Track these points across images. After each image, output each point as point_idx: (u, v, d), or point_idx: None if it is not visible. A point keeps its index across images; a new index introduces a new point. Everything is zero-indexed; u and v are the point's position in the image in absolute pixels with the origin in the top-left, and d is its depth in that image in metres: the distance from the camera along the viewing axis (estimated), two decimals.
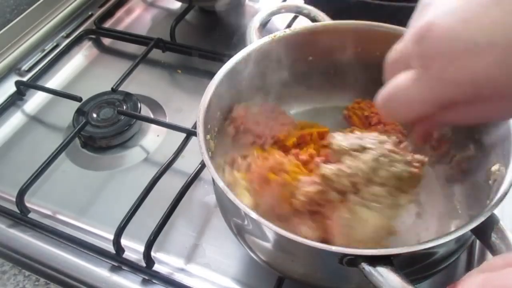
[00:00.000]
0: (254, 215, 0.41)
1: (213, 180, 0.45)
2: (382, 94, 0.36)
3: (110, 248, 0.55)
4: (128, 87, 0.74)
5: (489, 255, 0.51)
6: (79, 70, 0.82)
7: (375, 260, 0.37)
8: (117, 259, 0.55)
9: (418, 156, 0.43)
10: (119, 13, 0.92)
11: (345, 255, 0.38)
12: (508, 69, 0.30)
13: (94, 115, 0.70)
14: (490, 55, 0.29)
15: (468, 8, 0.30)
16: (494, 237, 0.39)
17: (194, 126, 0.64)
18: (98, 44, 0.86)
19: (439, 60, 0.31)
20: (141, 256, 0.54)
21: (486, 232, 0.39)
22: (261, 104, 0.57)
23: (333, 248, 0.39)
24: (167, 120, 0.72)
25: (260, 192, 0.47)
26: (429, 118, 0.35)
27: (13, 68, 0.82)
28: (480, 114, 0.35)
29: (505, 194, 0.41)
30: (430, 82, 0.32)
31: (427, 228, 0.50)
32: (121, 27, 0.89)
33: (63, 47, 0.83)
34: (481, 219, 0.39)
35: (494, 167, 0.46)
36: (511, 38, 0.29)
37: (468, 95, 0.32)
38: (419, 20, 0.33)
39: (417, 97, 0.33)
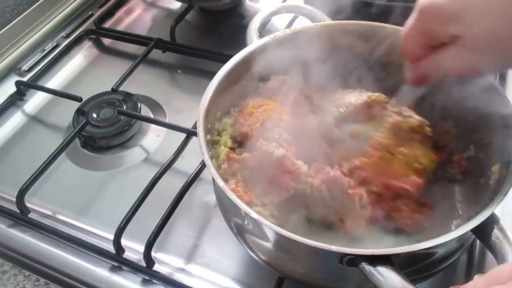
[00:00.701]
0: (254, 214, 0.41)
1: (213, 180, 0.45)
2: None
3: (110, 248, 0.55)
4: (128, 87, 0.74)
5: (489, 255, 0.51)
6: (79, 70, 0.82)
7: (375, 260, 0.37)
8: (117, 259, 0.55)
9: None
10: (119, 13, 0.92)
11: (345, 254, 0.38)
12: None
13: (94, 115, 0.70)
14: None
15: None
16: (494, 236, 0.39)
17: (194, 126, 0.64)
18: (98, 44, 0.86)
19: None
20: (141, 256, 0.54)
21: (486, 231, 0.39)
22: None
23: (333, 248, 0.38)
24: (167, 120, 0.72)
25: None
26: (424, 60, 0.45)
27: (13, 68, 0.82)
28: (468, 62, 0.42)
29: (505, 194, 0.41)
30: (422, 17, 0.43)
31: (427, 228, 0.50)
32: (121, 27, 0.89)
33: (63, 47, 0.83)
34: (481, 218, 0.39)
35: (494, 167, 0.46)
36: None
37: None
38: None
39: (411, 31, 0.45)
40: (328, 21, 0.60)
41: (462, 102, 0.50)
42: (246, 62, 0.55)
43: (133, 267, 0.55)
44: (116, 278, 0.54)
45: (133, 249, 0.56)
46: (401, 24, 0.55)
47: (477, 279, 0.30)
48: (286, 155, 0.48)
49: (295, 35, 0.57)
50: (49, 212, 0.62)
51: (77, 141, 0.69)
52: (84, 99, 0.73)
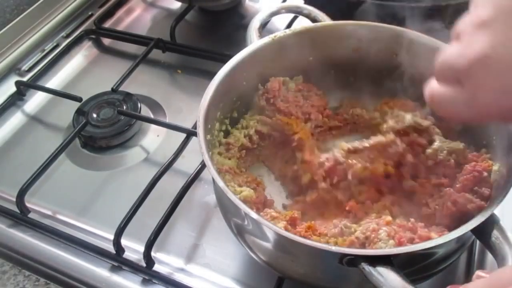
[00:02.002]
0: (254, 215, 0.41)
1: (213, 180, 0.45)
2: (433, 94, 0.38)
3: (110, 248, 0.55)
4: (128, 87, 0.74)
5: (489, 255, 0.51)
6: (79, 70, 0.82)
7: (375, 260, 0.37)
8: (117, 259, 0.55)
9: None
10: (119, 13, 0.92)
11: (345, 255, 0.38)
12: None
13: (94, 115, 0.70)
14: None
15: None
16: (494, 237, 0.39)
17: (194, 126, 0.64)
18: (98, 44, 0.86)
19: (487, 95, 0.33)
20: (141, 256, 0.54)
21: (486, 232, 0.39)
22: (300, 83, 0.59)
23: (333, 248, 0.39)
24: (167, 120, 0.72)
25: None
26: None
27: (13, 68, 0.82)
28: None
29: (505, 194, 0.41)
30: (473, 110, 0.35)
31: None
32: (121, 27, 0.89)
33: (63, 47, 0.83)
34: (481, 219, 0.39)
35: (494, 167, 0.46)
36: None
37: (505, 119, 0.36)
38: (476, 38, 0.33)
39: (457, 112, 0.36)
40: (328, 21, 0.60)
41: None
42: (246, 62, 0.55)
43: (133, 267, 0.55)
44: (116, 278, 0.54)
45: (133, 249, 0.56)
46: (401, 24, 0.56)
47: (478, 281, 0.30)
48: None
49: (295, 35, 0.57)
50: (49, 212, 0.61)
51: (77, 141, 0.69)
52: (84, 99, 0.73)
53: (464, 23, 0.35)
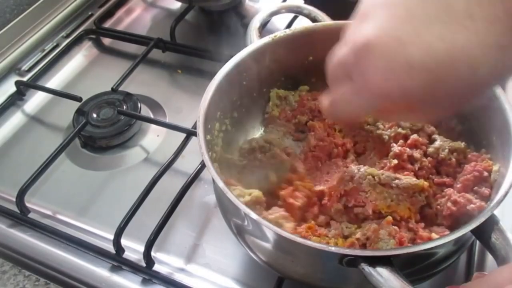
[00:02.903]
0: (253, 215, 0.41)
1: (213, 180, 0.45)
2: (328, 106, 0.41)
3: (110, 248, 0.55)
4: (128, 87, 0.74)
5: (489, 256, 0.51)
6: (79, 70, 0.82)
7: (374, 261, 0.37)
8: (117, 259, 0.55)
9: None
10: (119, 13, 0.92)
11: (345, 255, 0.38)
12: (433, 90, 0.32)
13: (94, 115, 0.70)
14: (421, 77, 0.32)
15: (406, 29, 0.32)
16: (494, 237, 0.39)
17: (194, 126, 0.64)
18: (98, 44, 0.86)
19: (375, 76, 0.34)
20: (141, 256, 0.54)
21: (486, 232, 0.39)
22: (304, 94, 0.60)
23: (333, 249, 0.39)
24: (167, 120, 0.72)
25: None
26: None
27: (13, 68, 0.82)
28: (411, 118, 0.44)
29: (505, 194, 0.41)
30: (367, 95, 0.36)
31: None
32: (121, 27, 0.89)
33: (63, 47, 0.83)
34: (481, 219, 0.39)
35: (494, 167, 0.46)
36: (441, 63, 0.31)
37: (399, 106, 0.37)
38: (359, 31, 0.35)
39: (357, 109, 0.38)
40: (328, 21, 0.60)
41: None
42: (246, 62, 0.55)
43: (133, 267, 0.55)
44: (116, 278, 0.54)
45: (133, 249, 0.56)
46: None
47: (475, 281, 0.30)
48: None
49: (295, 35, 0.57)
50: (49, 212, 0.61)
51: (77, 141, 0.69)
52: (84, 99, 0.73)
53: (349, 28, 0.37)
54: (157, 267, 0.54)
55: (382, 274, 0.36)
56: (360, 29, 0.35)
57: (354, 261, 0.38)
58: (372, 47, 0.33)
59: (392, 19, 0.33)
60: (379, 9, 0.34)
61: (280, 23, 0.81)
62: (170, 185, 0.59)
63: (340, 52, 0.37)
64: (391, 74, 0.33)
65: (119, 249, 0.55)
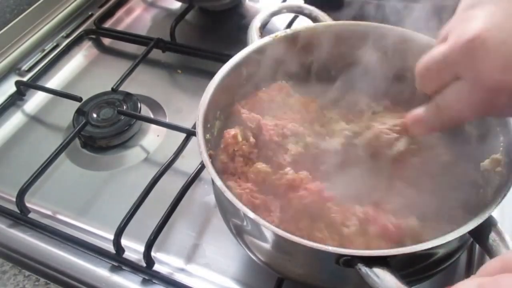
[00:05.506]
0: (252, 215, 0.41)
1: (213, 180, 0.45)
2: (434, 111, 0.38)
3: (110, 248, 0.55)
4: (128, 87, 0.74)
5: None
6: (79, 70, 0.82)
7: (371, 261, 0.37)
8: (117, 259, 0.55)
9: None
10: (119, 13, 0.92)
11: (341, 255, 0.38)
12: None
13: (94, 115, 0.70)
14: None
15: None
16: (491, 239, 0.39)
17: (194, 126, 0.64)
18: (98, 44, 0.86)
19: (491, 70, 0.33)
20: (141, 256, 0.54)
21: (483, 234, 0.39)
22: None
23: (330, 249, 0.38)
24: (167, 120, 0.72)
25: None
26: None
27: (13, 68, 0.82)
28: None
29: (504, 195, 0.41)
30: (481, 91, 0.34)
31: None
32: (121, 27, 0.89)
33: (63, 47, 0.83)
34: (479, 221, 0.38)
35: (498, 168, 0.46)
36: None
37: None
38: (465, 30, 0.34)
39: (469, 107, 0.36)
40: (329, 21, 0.60)
41: None
42: (246, 62, 0.55)
43: (133, 267, 0.55)
44: (116, 278, 0.54)
45: (133, 249, 0.56)
46: (402, 24, 0.56)
47: (468, 278, 0.30)
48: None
49: (296, 35, 0.57)
50: (49, 212, 0.62)
51: (77, 141, 0.69)
52: (84, 99, 0.73)
53: (450, 23, 0.36)
54: (157, 267, 0.55)
55: (379, 274, 0.36)
56: (468, 22, 0.34)
57: (350, 261, 0.38)
58: (485, 42, 0.32)
59: (503, 12, 0.32)
60: (487, 4, 0.33)
61: (280, 23, 0.81)
62: (170, 185, 0.59)
63: (439, 51, 0.36)
64: (508, 67, 0.32)
65: (119, 249, 0.55)
